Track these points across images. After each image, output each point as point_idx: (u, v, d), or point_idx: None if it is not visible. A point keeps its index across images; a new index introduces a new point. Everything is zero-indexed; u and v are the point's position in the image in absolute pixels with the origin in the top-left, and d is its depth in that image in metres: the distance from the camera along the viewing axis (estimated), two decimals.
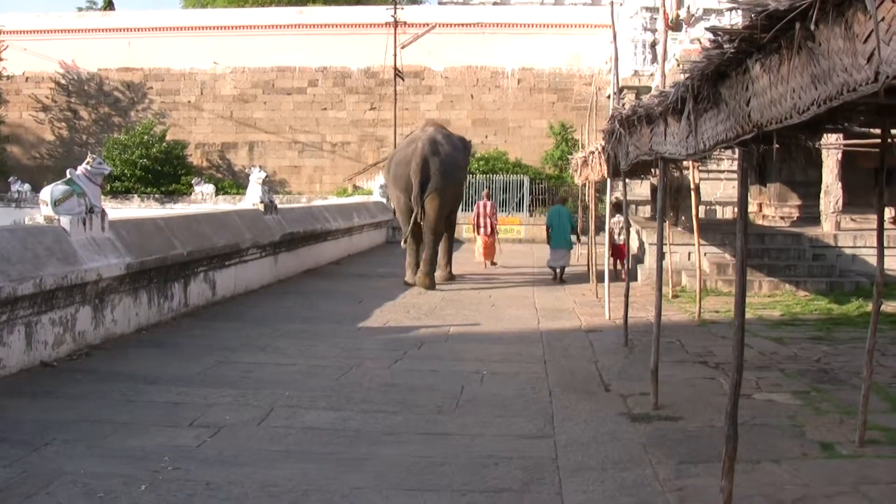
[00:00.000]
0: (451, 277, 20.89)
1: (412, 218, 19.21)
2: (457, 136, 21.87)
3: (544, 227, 21.73)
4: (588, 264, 20.60)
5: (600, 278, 17.23)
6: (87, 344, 11.35)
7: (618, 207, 19.86)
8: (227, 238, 16.63)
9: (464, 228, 29.19)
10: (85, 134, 47.02)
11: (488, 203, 24.33)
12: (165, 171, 43.93)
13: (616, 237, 20.19)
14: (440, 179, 19.02)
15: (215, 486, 6.34)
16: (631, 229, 16.73)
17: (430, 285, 19.05)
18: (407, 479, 6.57)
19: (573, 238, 22.06)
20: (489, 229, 24.02)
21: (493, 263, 24.25)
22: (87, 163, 12.32)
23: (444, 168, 19.21)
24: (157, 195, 42.89)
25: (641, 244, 22.00)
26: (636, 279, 19.31)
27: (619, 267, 20.60)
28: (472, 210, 25.67)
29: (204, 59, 45.97)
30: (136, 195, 42.74)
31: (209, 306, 15.53)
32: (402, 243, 20.09)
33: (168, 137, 44.90)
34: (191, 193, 43.03)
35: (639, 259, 21.47)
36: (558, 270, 21.06)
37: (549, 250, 21.41)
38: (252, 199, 20.13)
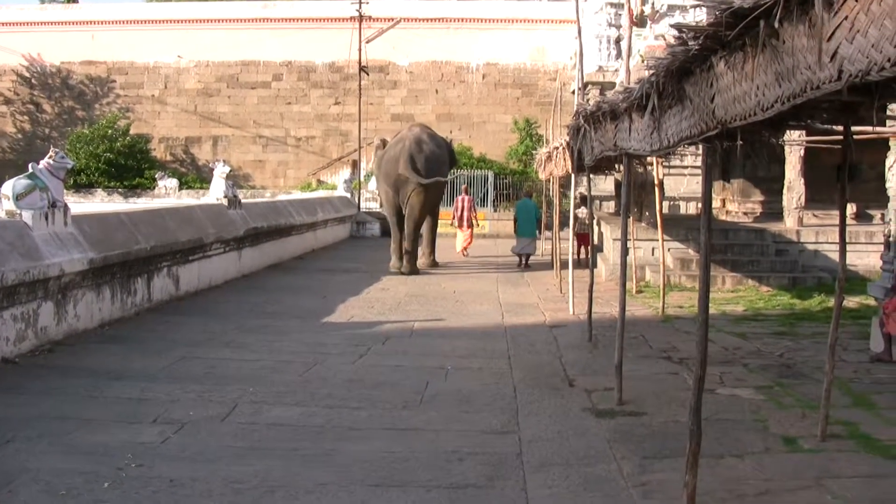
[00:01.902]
0: (434, 264, 22.79)
1: (398, 211, 21.34)
2: (440, 136, 23.71)
3: (509, 223, 24.23)
4: (552, 255, 20.78)
5: (564, 265, 17.33)
6: (50, 340, 11.25)
7: (583, 200, 20.26)
8: (191, 233, 16.53)
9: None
10: (48, 128, 46.52)
11: (466, 198, 26.16)
12: (129, 166, 43.59)
13: (583, 225, 20.62)
14: (426, 175, 20.88)
15: (179, 482, 6.30)
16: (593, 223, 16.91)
17: (413, 271, 21.19)
18: (371, 474, 6.55)
19: (536, 231, 23.84)
20: (467, 222, 25.82)
21: (465, 254, 26.01)
22: (50, 157, 12.21)
23: (430, 165, 21.13)
24: (120, 189, 42.52)
25: (601, 235, 22.25)
26: (597, 266, 19.38)
27: (582, 255, 21.81)
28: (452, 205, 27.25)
29: (168, 52, 45.61)
30: (99, 189, 42.38)
31: (173, 301, 15.44)
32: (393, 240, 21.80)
33: (132, 131, 44.50)
34: (154, 188, 42.72)
35: (598, 248, 21.55)
36: (524, 258, 23.01)
37: (514, 242, 23.47)
38: (216, 193, 20.03)
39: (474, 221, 26.42)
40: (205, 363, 10.47)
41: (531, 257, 23.48)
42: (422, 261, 22.30)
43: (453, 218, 26.00)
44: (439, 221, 23.89)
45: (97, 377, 9.56)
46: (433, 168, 21.27)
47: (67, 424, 7.69)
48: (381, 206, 24.56)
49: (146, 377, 9.64)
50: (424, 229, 22.57)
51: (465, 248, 26.11)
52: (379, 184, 22.88)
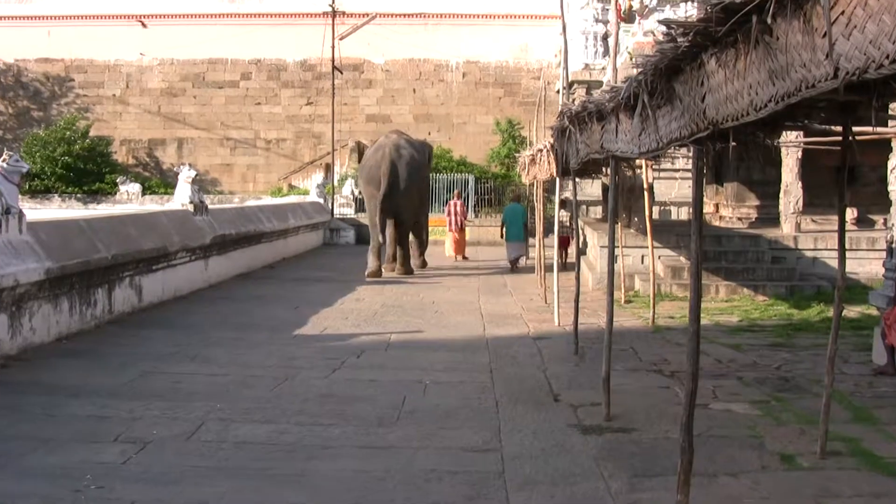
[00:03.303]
0: (424, 265, 24.66)
1: (381, 213, 22.44)
2: (418, 140, 25.77)
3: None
4: (536, 263, 20.84)
5: (549, 269, 17.41)
6: (4, 354, 11.17)
7: (563, 203, 20.47)
8: (155, 241, 16.48)
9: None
10: (1, 129, 46.27)
11: (458, 202, 28.10)
12: (89, 170, 43.30)
13: (563, 228, 20.85)
14: (406, 180, 22.69)
15: None
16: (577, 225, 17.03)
17: (408, 272, 23.19)
18: (345, 495, 6.54)
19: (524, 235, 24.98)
20: (459, 226, 27.68)
21: (465, 258, 27.73)
22: (4, 160, 12.16)
23: (409, 170, 22.87)
24: (79, 195, 42.30)
25: (585, 239, 22.39)
26: (582, 273, 19.42)
27: (566, 259, 22.77)
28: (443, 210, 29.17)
29: (130, 50, 45.44)
30: (56, 195, 42.12)
31: (135, 313, 15.38)
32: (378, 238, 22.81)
33: (92, 133, 44.24)
34: (116, 193, 42.54)
35: (582, 251, 21.64)
36: (514, 262, 24.47)
37: (503, 247, 25.28)
38: (181, 199, 19.98)
39: (465, 225, 28.54)
40: (169, 378, 10.43)
41: (521, 260, 24.83)
42: (412, 262, 23.95)
43: (448, 223, 27.70)
44: (432, 228, 25.90)
45: (55, 394, 9.51)
46: (414, 173, 23.04)
47: (22, 444, 7.64)
48: (352, 204, 25.28)
49: (107, 393, 9.58)
50: (411, 234, 24.04)
51: (462, 253, 27.81)
52: (363, 188, 24.32)
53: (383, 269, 22.67)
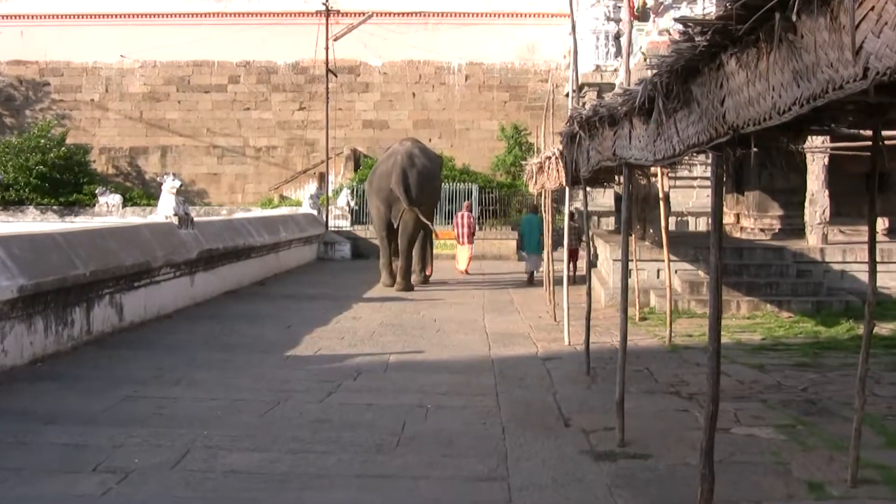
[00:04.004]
0: (425, 280, 24.86)
1: (388, 226, 23.55)
2: (432, 151, 26.84)
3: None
4: (545, 275, 20.85)
5: (557, 282, 17.43)
6: None
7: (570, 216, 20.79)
8: (137, 256, 16.47)
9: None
10: None
11: (467, 214, 28.45)
12: (65, 179, 43.20)
13: (570, 239, 20.96)
14: (418, 190, 23.04)
15: None
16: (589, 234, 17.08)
17: (407, 287, 23.26)
18: None
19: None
20: (467, 239, 28.07)
21: (466, 272, 28.00)
22: None
23: (422, 180, 23.30)
24: (55, 206, 42.23)
25: (595, 250, 22.40)
26: (591, 285, 19.41)
27: (574, 272, 22.78)
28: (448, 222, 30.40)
29: (110, 51, 45.40)
30: (31, 206, 42.06)
31: (116, 333, 15.37)
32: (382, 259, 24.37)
33: (68, 140, 44.18)
34: (94, 205, 42.42)
35: (592, 263, 21.65)
36: (535, 273, 25.07)
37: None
38: (165, 211, 19.98)
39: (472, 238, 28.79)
40: (153, 403, 10.41)
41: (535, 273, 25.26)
42: (414, 277, 24.15)
43: (457, 235, 28.26)
44: (439, 241, 26.58)
45: (28, 421, 9.48)
46: (425, 184, 23.50)
47: None
48: (348, 216, 25.24)
49: (85, 420, 9.57)
50: (416, 246, 24.19)
51: (468, 268, 28.10)
52: (370, 199, 24.97)
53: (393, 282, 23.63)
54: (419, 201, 23.17)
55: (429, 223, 24.37)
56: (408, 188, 22.85)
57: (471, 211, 29.87)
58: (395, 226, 23.45)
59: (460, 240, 28.16)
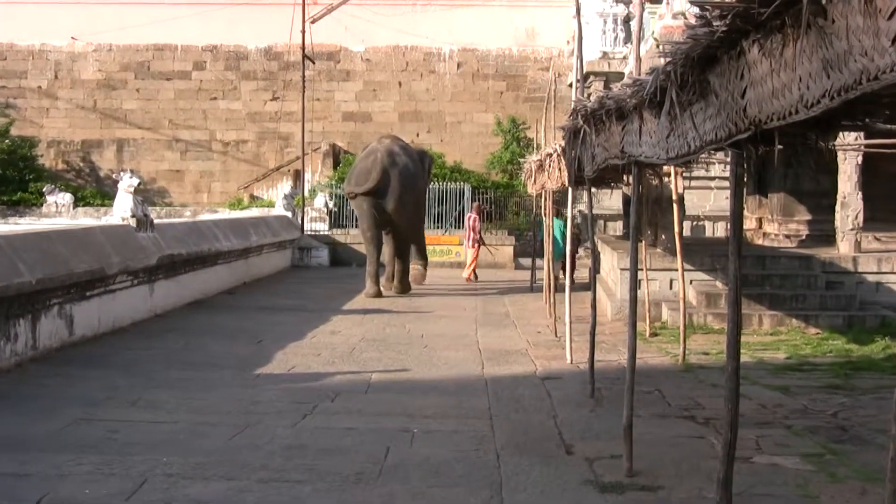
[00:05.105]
0: (408, 287, 25.44)
1: (374, 225, 24.29)
2: (416, 148, 28.28)
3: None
4: (545, 286, 20.89)
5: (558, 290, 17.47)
6: None
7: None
8: (90, 262, 16.44)
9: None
10: None
11: (472, 216, 29.99)
12: (9, 176, 43.20)
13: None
14: (399, 189, 23.93)
15: None
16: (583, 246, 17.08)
17: (405, 290, 24.86)
18: None
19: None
20: (473, 242, 29.49)
21: (468, 280, 29.02)
22: None
23: (403, 179, 24.11)
24: None
25: (598, 256, 22.43)
26: (596, 296, 19.43)
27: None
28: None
29: (59, 32, 45.22)
30: None
31: (65, 348, 15.33)
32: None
33: (13, 132, 44.03)
34: (42, 204, 42.27)
35: (596, 271, 21.72)
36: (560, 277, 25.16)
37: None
38: (121, 212, 19.94)
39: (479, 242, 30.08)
40: (105, 427, 10.38)
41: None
42: (396, 284, 25.20)
43: (467, 238, 29.68)
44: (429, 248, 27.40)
45: None
46: (408, 183, 24.35)
47: None
48: (326, 218, 25.46)
49: (28, 446, 9.53)
50: (403, 249, 25.29)
51: (471, 275, 29.13)
52: (351, 199, 26.08)
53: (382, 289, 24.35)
54: (402, 203, 23.96)
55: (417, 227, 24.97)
56: (384, 190, 23.70)
57: (479, 213, 31.02)
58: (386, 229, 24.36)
59: (469, 244, 29.42)
